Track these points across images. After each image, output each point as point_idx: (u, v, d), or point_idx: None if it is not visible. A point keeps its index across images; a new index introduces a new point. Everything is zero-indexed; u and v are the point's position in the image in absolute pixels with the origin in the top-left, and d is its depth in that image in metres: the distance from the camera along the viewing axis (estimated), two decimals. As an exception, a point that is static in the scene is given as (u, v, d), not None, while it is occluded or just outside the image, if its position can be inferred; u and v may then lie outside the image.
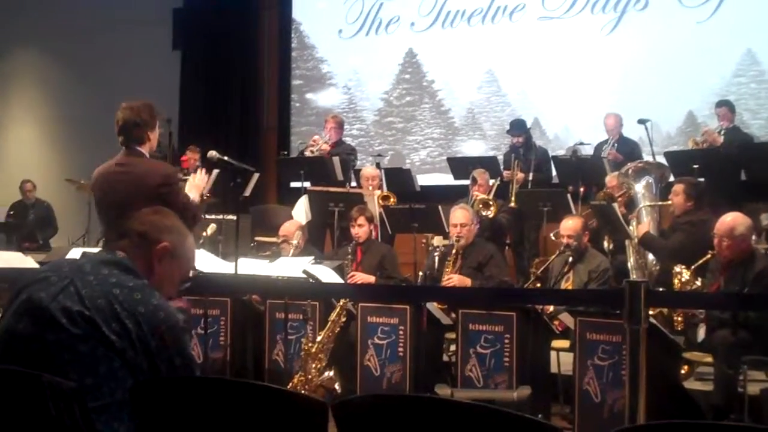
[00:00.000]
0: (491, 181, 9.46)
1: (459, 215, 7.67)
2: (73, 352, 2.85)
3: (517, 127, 10.39)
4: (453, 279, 7.35)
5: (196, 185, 5.68)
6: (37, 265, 5.73)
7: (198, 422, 2.61)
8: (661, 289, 6.70)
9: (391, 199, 9.27)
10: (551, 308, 6.72)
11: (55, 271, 3.05)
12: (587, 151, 10.09)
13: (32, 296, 2.97)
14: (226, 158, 5.86)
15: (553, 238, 8.06)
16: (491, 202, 8.98)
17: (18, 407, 2.75)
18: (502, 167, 10.09)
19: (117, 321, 2.87)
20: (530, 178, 9.80)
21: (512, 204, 9.40)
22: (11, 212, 13.70)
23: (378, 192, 9.38)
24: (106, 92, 14.74)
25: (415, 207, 8.73)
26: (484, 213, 8.80)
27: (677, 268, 6.84)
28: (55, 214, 13.57)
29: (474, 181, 9.29)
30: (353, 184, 10.13)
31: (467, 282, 7.32)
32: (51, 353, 2.86)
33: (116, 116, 5.44)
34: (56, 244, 12.31)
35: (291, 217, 8.94)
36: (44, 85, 16.30)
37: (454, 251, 7.57)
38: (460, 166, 10.13)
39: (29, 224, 13.36)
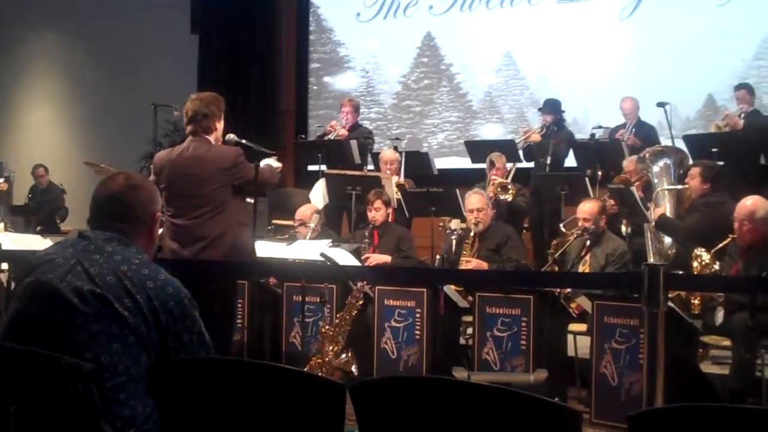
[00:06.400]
0: (509, 165, 9.45)
1: (474, 200, 7.66)
2: (86, 332, 2.86)
3: (548, 105, 10.20)
4: (471, 263, 7.34)
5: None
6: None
7: (216, 403, 2.61)
8: (680, 272, 6.67)
9: (407, 187, 9.26)
10: (568, 291, 6.72)
11: (59, 252, 3.06)
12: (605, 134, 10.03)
13: (40, 278, 2.98)
14: (244, 141, 5.87)
15: (563, 229, 8.06)
16: (509, 186, 8.97)
17: (36, 389, 2.76)
18: (520, 151, 9.99)
19: (128, 296, 2.89)
20: (548, 162, 9.70)
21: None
22: (30, 195, 13.79)
23: (395, 178, 9.35)
24: (124, 76, 14.84)
25: (432, 191, 8.69)
26: (502, 197, 8.80)
27: (697, 251, 6.82)
28: (70, 197, 13.56)
29: (491, 164, 9.26)
30: (370, 167, 10.12)
31: (485, 266, 7.29)
32: (64, 334, 2.87)
33: (185, 107, 5.81)
34: (71, 226, 12.33)
35: (308, 201, 8.95)
36: (61, 69, 16.34)
37: (471, 235, 7.56)
38: (478, 149, 10.07)
39: (44, 208, 13.42)
